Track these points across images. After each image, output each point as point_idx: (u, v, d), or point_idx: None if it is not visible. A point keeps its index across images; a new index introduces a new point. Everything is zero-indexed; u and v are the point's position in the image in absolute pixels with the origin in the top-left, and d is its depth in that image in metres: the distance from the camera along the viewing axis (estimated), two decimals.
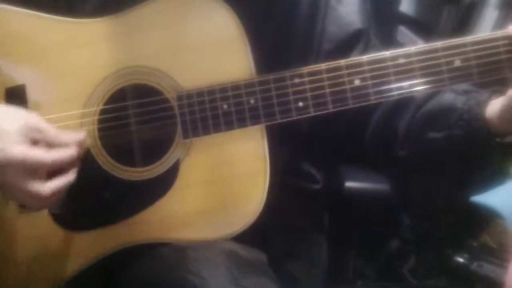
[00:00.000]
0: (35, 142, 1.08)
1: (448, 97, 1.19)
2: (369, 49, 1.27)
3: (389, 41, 1.12)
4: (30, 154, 1.06)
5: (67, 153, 1.09)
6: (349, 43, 1.28)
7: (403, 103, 1.22)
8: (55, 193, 1.08)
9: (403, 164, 1.29)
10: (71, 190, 1.11)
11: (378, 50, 1.14)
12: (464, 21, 1.60)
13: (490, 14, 1.59)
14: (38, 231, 1.18)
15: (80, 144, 1.11)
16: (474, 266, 1.53)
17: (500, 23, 1.63)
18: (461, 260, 1.54)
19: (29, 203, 1.11)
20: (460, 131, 1.16)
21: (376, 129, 1.29)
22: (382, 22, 1.35)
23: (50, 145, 1.09)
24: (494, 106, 1.12)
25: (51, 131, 1.10)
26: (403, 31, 1.45)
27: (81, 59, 1.16)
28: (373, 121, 1.28)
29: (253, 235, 1.18)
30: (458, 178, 1.32)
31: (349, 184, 1.41)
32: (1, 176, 1.06)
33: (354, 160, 1.44)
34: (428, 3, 1.63)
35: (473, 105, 1.14)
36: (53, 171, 1.08)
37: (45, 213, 1.17)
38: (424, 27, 1.54)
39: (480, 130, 1.13)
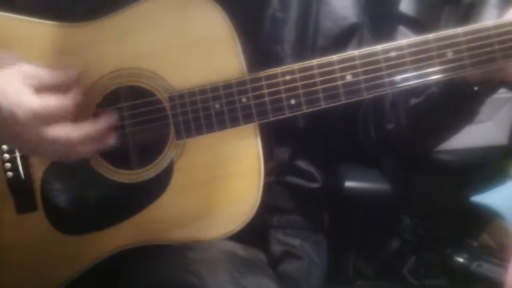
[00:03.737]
0: (38, 90, 1.06)
1: None
2: (363, 44, 1.26)
3: (389, 41, 1.10)
4: (46, 102, 1.04)
5: (77, 94, 1.08)
6: (344, 37, 1.26)
7: None
8: (86, 138, 1.07)
9: (392, 138, 1.29)
10: (67, 195, 1.13)
11: (372, 45, 1.12)
12: (464, 21, 1.59)
13: (490, 14, 1.58)
14: (36, 235, 1.18)
15: (77, 80, 1.10)
16: (474, 266, 1.52)
17: None
18: (461, 260, 1.54)
19: (62, 153, 1.09)
20: (437, 87, 1.16)
21: (365, 113, 1.31)
22: (382, 22, 1.34)
23: (51, 88, 1.07)
24: None
25: (46, 75, 1.08)
26: (403, 31, 1.45)
27: (72, 63, 1.14)
28: (362, 106, 1.30)
29: (252, 235, 1.18)
30: (443, 136, 1.29)
31: (349, 184, 1.40)
32: (24, 134, 1.04)
33: (353, 157, 1.44)
34: (428, 3, 1.63)
35: None
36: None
37: (43, 217, 1.17)
38: (424, 27, 1.53)
39: (456, 80, 1.11)
